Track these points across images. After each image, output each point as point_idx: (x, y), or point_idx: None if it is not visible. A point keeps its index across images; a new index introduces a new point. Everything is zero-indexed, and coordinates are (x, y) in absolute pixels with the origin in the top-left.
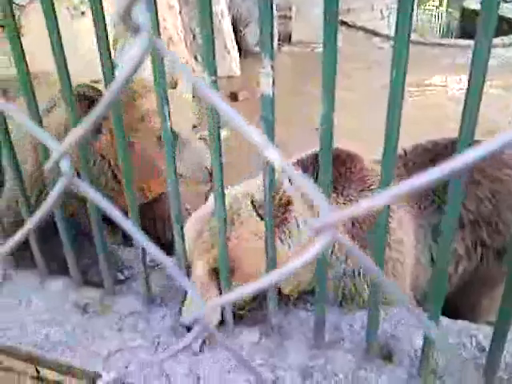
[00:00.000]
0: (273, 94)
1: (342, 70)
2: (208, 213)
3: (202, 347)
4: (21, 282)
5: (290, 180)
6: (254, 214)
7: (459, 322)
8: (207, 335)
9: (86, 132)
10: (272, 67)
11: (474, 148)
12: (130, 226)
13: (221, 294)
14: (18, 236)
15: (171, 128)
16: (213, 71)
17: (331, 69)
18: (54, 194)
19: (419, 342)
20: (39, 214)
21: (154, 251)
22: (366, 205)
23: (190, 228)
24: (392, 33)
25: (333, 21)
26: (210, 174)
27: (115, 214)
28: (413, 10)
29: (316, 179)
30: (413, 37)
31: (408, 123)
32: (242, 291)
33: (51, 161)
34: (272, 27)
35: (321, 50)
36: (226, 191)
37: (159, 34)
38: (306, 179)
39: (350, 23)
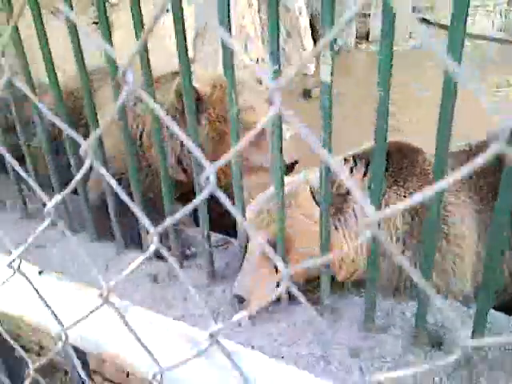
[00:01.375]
0: (331, 81)
1: (421, 68)
2: (267, 196)
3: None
4: (100, 252)
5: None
6: (311, 199)
7: None
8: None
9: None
10: (332, 57)
11: None
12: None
13: (276, 271)
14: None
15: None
16: (276, 60)
17: (387, 63)
18: (119, 102)
19: (469, 333)
20: (104, 123)
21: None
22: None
23: (250, 208)
24: (474, 31)
25: (389, 17)
26: (287, 167)
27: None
28: (469, 3)
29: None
30: (500, 35)
31: (486, 124)
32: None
33: (120, 71)
34: (332, 17)
35: (397, 47)
36: (287, 178)
37: (236, 32)
38: (354, 182)
39: (431, 21)
